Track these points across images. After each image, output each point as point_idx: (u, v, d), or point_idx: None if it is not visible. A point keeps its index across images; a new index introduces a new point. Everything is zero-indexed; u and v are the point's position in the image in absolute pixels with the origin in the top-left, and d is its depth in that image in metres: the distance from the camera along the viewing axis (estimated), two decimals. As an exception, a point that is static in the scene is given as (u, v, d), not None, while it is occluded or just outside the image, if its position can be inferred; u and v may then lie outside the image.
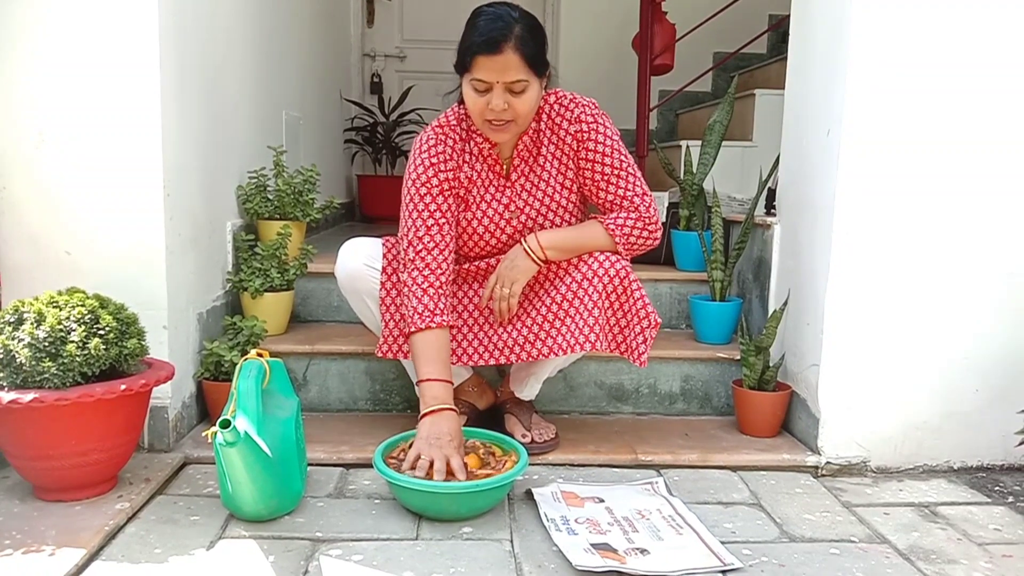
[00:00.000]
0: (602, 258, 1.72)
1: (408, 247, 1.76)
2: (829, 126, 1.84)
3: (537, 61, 1.65)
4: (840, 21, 1.81)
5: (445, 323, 1.72)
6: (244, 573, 1.35)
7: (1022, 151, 1.81)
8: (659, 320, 1.74)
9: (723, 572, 1.40)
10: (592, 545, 1.46)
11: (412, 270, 1.74)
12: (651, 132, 3.88)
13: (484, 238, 1.83)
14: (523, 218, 1.82)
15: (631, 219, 1.75)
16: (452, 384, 1.71)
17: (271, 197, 2.32)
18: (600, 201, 1.81)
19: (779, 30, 4.32)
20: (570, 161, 1.80)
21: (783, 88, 2.15)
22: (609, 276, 1.70)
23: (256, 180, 2.30)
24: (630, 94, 3.61)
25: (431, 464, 1.58)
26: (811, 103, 1.96)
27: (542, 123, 1.79)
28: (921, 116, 1.78)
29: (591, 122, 1.77)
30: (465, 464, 1.60)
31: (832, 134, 1.83)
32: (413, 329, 1.71)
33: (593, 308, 1.69)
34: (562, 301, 1.72)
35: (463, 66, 1.66)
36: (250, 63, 2.43)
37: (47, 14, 1.68)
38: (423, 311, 1.71)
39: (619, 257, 1.73)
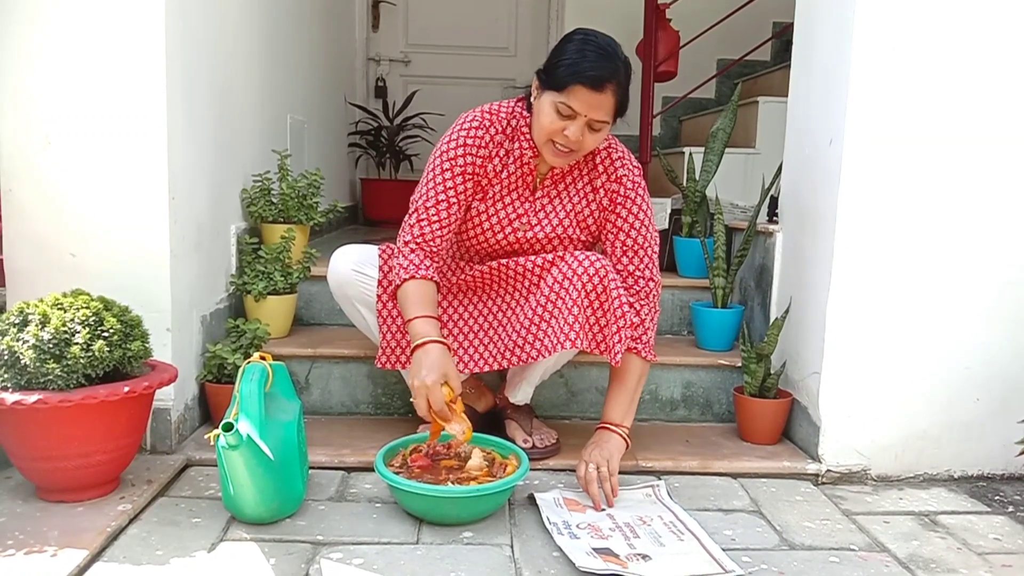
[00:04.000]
0: (581, 257, 1.72)
1: (413, 212, 1.78)
2: (832, 135, 1.85)
3: (623, 108, 1.68)
4: (843, 32, 1.81)
5: (428, 276, 1.73)
6: (245, 576, 1.35)
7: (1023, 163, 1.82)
8: (635, 321, 1.76)
9: None
10: (594, 549, 1.46)
11: (407, 235, 1.77)
12: (654, 138, 3.88)
13: (484, 234, 1.84)
14: (529, 235, 1.82)
15: (646, 319, 1.80)
16: (436, 319, 1.70)
17: (275, 200, 2.33)
18: (611, 259, 1.82)
19: (783, 38, 4.33)
20: (597, 210, 1.82)
21: (786, 96, 2.16)
22: (588, 275, 1.69)
23: (260, 184, 2.31)
24: (633, 100, 3.59)
25: (429, 466, 1.63)
26: (814, 112, 1.97)
27: (588, 159, 1.81)
28: (924, 129, 1.78)
29: (630, 189, 1.80)
30: (454, 405, 1.60)
31: (835, 144, 1.83)
32: (400, 281, 1.73)
33: (573, 306, 1.69)
34: (545, 303, 1.73)
35: (555, 86, 1.62)
36: (256, 67, 2.45)
37: (53, 18, 1.69)
38: (407, 265, 1.73)
39: (598, 257, 1.72)
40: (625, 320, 1.71)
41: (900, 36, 1.76)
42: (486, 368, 1.82)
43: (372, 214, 4.34)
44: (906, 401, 1.87)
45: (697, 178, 2.44)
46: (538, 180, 1.82)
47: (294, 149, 2.89)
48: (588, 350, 1.73)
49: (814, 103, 1.97)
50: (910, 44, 1.76)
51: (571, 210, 1.82)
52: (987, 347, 1.86)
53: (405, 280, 1.73)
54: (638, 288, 1.81)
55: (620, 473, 1.77)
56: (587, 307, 1.70)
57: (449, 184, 1.76)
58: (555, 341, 1.70)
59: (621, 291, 1.72)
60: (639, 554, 1.47)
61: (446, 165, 1.76)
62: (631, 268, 1.81)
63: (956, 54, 1.77)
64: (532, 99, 1.72)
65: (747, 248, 2.21)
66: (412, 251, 1.75)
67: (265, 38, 2.55)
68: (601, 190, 1.81)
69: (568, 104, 1.62)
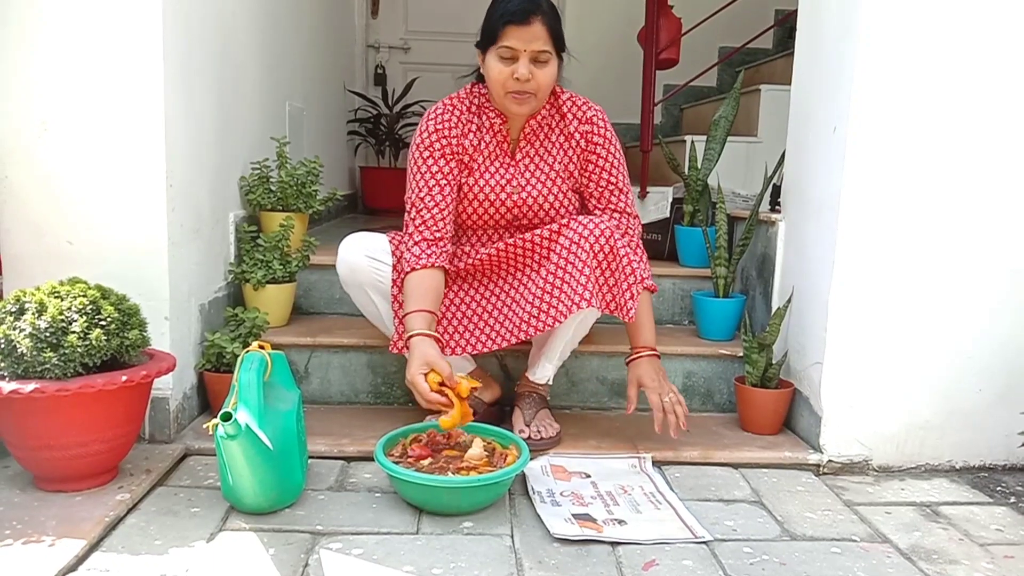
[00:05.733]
0: (585, 221, 1.77)
1: (411, 207, 1.85)
2: (835, 123, 1.83)
3: (559, 37, 1.78)
4: (848, 18, 1.79)
5: (430, 264, 1.80)
6: (244, 566, 1.35)
7: (1030, 150, 1.80)
8: (644, 276, 1.82)
9: (695, 544, 1.47)
10: (573, 515, 1.55)
11: (409, 228, 1.85)
12: (655, 127, 3.85)
13: (484, 206, 1.90)
14: (524, 196, 1.89)
15: (636, 247, 1.89)
16: (429, 312, 1.75)
17: (274, 188, 2.31)
18: (591, 201, 1.93)
19: (785, 25, 4.30)
20: (575, 156, 1.90)
21: (789, 83, 2.14)
22: (595, 236, 1.74)
23: (259, 171, 2.30)
24: (635, 88, 3.59)
25: (429, 455, 1.66)
26: (817, 100, 1.95)
27: (554, 112, 1.90)
28: (928, 115, 1.77)
29: (602, 128, 1.91)
30: (447, 388, 1.63)
31: (838, 131, 1.82)
32: (407, 272, 1.80)
33: (584, 267, 1.74)
34: (556, 270, 1.76)
35: (491, 38, 1.76)
36: (254, 53, 2.42)
37: (51, 1, 1.67)
38: (410, 258, 1.81)
39: (603, 220, 1.79)
40: (635, 276, 1.76)
41: (905, 22, 1.73)
42: (504, 344, 1.83)
43: (371, 202, 4.32)
44: (908, 391, 1.86)
45: (699, 167, 2.43)
46: (514, 144, 1.90)
47: (293, 136, 2.87)
48: (601, 310, 1.78)
49: (817, 91, 1.95)
50: (915, 29, 1.74)
51: (553, 163, 1.90)
52: (990, 337, 1.85)
53: (407, 273, 1.79)
54: (626, 225, 1.91)
55: (615, 457, 1.84)
56: (596, 268, 1.75)
57: (435, 169, 1.84)
58: (569, 304, 1.73)
59: (628, 249, 1.78)
60: (616, 519, 1.55)
61: (425, 154, 1.85)
62: (619, 205, 1.92)
63: (963, 38, 1.75)
64: (482, 71, 1.84)
65: (749, 237, 2.20)
66: (416, 243, 1.82)
67: (264, 24, 2.52)
68: (576, 134, 1.90)
69: (506, 46, 1.74)
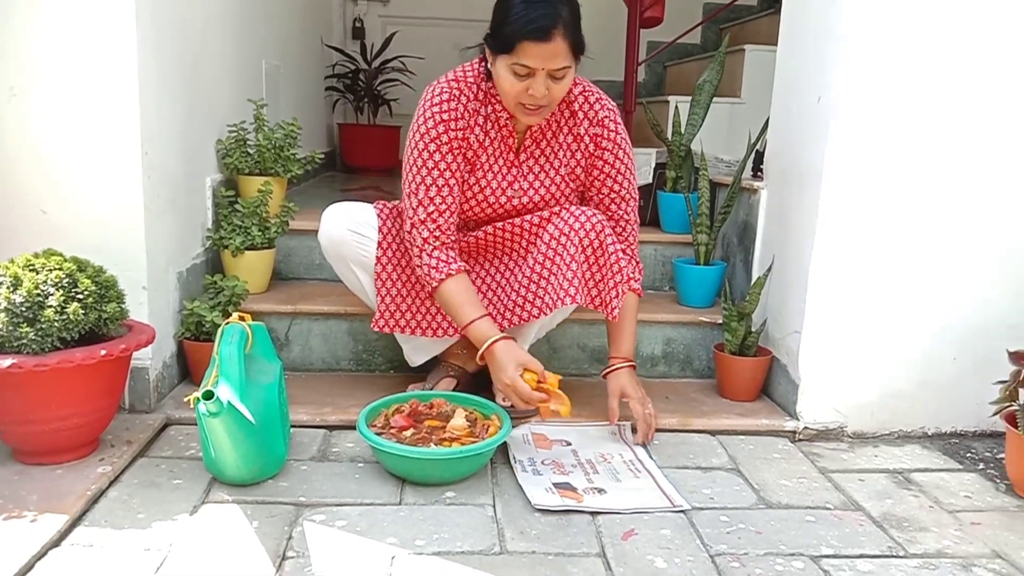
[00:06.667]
0: (576, 212, 1.74)
1: (418, 206, 1.73)
2: (820, 92, 1.82)
3: (579, 46, 1.62)
4: (835, -16, 1.77)
5: (460, 269, 1.73)
6: (228, 539, 1.35)
7: (1012, 125, 1.80)
8: (631, 276, 1.82)
9: (673, 513, 1.50)
10: (554, 484, 1.57)
11: (423, 230, 1.73)
12: (638, 84, 3.82)
13: (482, 205, 1.83)
14: (525, 200, 1.82)
15: (630, 252, 1.86)
16: (489, 315, 1.72)
17: (251, 152, 2.27)
18: (591, 204, 1.86)
19: (771, -18, 4.24)
20: (583, 159, 1.82)
21: (774, 43, 2.13)
22: (585, 230, 1.72)
23: (236, 134, 2.25)
24: (619, 47, 3.54)
25: (411, 425, 1.67)
26: (803, 68, 1.93)
27: (564, 110, 1.79)
28: (912, 90, 1.76)
29: (612, 131, 1.80)
30: (543, 384, 1.65)
31: (823, 100, 1.81)
32: (435, 283, 1.72)
33: (571, 262, 1.71)
34: (543, 260, 1.74)
35: (504, 46, 1.60)
36: (229, 10, 2.35)
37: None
38: (438, 264, 1.72)
39: (595, 212, 1.75)
40: (622, 275, 1.75)
41: (893, -9, 1.72)
42: None
43: (350, 160, 4.26)
44: (884, 360, 1.89)
45: (682, 132, 2.41)
46: (519, 140, 1.80)
47: (270, 95, 2.81)
48: (585, 305, 1.77)
49: (803, 58, 1.93)
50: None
51: (560, 167, 1.82)
52: (965, 308, 1.88)
53: (442, 280, 1.71)
54: (624, 232, 1.87)
55: (596, 425, 1.88)
56: (583, 262, 1.73)
57: (442, 166, 1.73)
58: (555, 298, 1.72)
59: (617, 245, 1.75)
60: (595, 488, 1.58)
61: (431, 147, 1.71)
62: (620, 213, 1.86)
63: (950, 9, 1.73)
64: (489, 66, 1.69)
65: (731, 204, 2.20)
66: (435, 248, 1.73)
67: (238, -20, 2.44)
68: (585, 136, 1.80)
69: (522, 63, 1.59)
